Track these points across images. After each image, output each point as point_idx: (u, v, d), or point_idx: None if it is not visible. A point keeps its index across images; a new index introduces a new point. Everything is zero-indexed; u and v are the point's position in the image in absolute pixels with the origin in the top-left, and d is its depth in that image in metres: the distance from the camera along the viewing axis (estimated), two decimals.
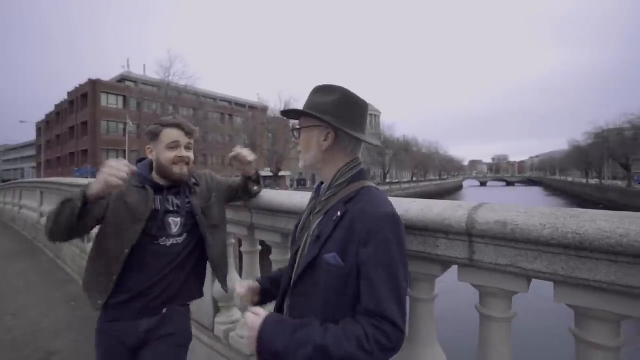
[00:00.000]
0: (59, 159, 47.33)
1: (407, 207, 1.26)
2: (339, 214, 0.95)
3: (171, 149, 1.50)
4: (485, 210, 1.12)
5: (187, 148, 1.55)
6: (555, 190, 75.48)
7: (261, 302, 1.23)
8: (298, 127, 1.11)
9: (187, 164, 1.54)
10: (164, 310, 1.52)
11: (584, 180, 60.10)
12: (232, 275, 2.36)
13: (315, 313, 0.92)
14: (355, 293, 0.90)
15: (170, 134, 1.51)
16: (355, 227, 0.91)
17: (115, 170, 1.23)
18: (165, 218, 1.50)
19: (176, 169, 1.51)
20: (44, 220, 7.43)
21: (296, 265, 1.03)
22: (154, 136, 1.53)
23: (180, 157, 1.50)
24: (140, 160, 1.61)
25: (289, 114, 1.15)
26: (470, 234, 1.11)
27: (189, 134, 1.54)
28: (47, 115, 53.73)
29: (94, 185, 1.24)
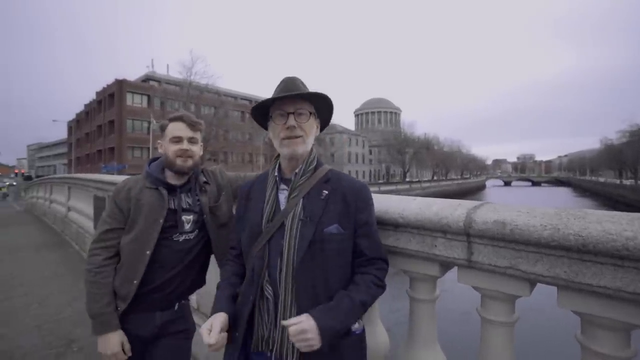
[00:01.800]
0: (88, 156, 49.53)
1: (405, 206, 1.23)
2: (325, 192, 1.10)
3: (175, 143, 1.52)
4: (485, 209, 1.07)
5: (191, 142, 1.55)
6: (585, 191, 71.91)
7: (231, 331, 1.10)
8: (308, 111, 1.14)
9: (190, 157, 1.54)
10: (176, 306, 1.57)
11: (618, 181, 56.97)
12: None
13: (324, 281, 1.05)
14: (350, 250, 1.10)
15: (174, 128, 1.53)
16: (349, 199, 1.10)
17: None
18: (179, 216, 1.52)
19: (179, 162, 1.52)
20: (71, 214, 7.80)
21: (287, 249, 1.05)
22: (162, 131, 1.57)
23: (182, 149, 1.51)
24: (153, 160, 1.64)
25: (314, 97, 1.15)
26: (468, 233, 1.06)
27: (191, 126, 1.54)
28: (77, 115, 56.32)
29: (101, 345, 1.42)
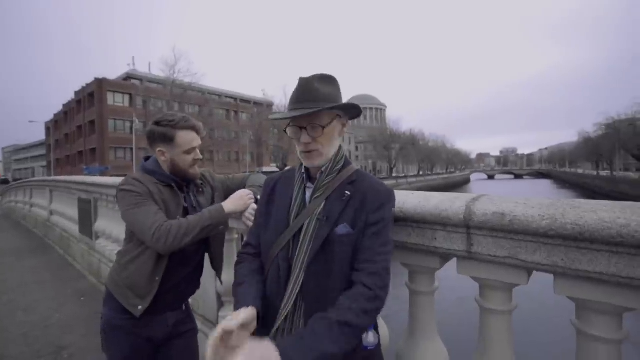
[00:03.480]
0: (68, 157, 48.03)
1: (405, 199, 1.25)
2: (348, 193, 1.05)
3: (190, 154, 1.50)
4: (484, 201, 1.10)
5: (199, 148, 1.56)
6: (565, 182, 74.27)
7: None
8: (322, 124, 1.05)
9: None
10: (184, 306, 1.60)
11: (595, 172, 59.07)
12: (232, 270, 2.38)
13: (333, 284, 0.99)
14: None
15: (187, 138, 1.48)
16: (367, 200, 1.03)
17: (251, 195, 1.54)
18: (190, 215, 1.50)
19: (193, 170, 1.53)
20: (53, 217, 7.56)
21: (300, 248, 1.02)
22: (168, 140, 1.46)
23: (197, 159, 1.52)
24: (146, 159, 1.59)
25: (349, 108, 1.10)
26: (468, 225, 1.09)
27: (199, 133, 1.54)
28: (55, 115, 54.50)
29: (233, 206, 1.48)
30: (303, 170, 1.13)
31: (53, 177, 8.61)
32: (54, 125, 53.53)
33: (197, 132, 1.53)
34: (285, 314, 1.01)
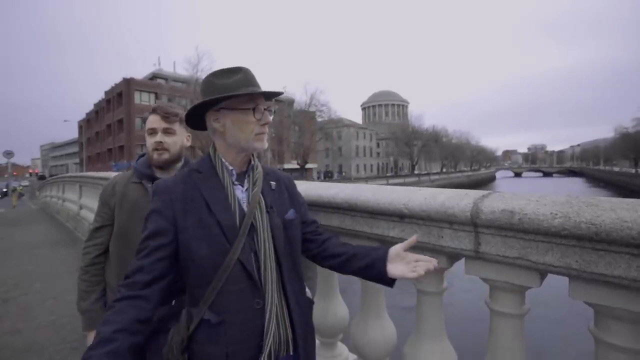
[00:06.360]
0: (99, 154, 50.36)
1: (410, 196, 1.21)
2: (273, 183, 1.16)
3: (150, 135, 1.49)
4: (493, 199, 1.04)
5: (166, 133, 1.48)
6: (599, 181, 70.34)
7: None
8: (272, 108, 1.12)
9: (166, 149, 1.47)
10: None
11: (633, 170, 55.56)
12: None
13: (295, 269, 1.10)
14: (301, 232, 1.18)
15: (149, 120, 1.50)
16: (289, 188, 1.22)
17: None
18: None
19: (155, 155, 1.48)
20: (82, 212, 7.95)
21: (264, 244, 1.02)
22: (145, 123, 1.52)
23: (156, 142, 1.46)
24: (142, 156, 1.61)
25: (272, 95, 1.13)
26: (475, 224, 1.03)
27: (165, 117, 1.47)
28: (87, 114, 57.20)
29: (89, 340, 1.49)
30: (231, 167, 1.08)
31: (82, 173, 9.06)
32: (86, 124, 56.25)
33: (161, 116, 1.48)
34: (272, 311, 0.98)
